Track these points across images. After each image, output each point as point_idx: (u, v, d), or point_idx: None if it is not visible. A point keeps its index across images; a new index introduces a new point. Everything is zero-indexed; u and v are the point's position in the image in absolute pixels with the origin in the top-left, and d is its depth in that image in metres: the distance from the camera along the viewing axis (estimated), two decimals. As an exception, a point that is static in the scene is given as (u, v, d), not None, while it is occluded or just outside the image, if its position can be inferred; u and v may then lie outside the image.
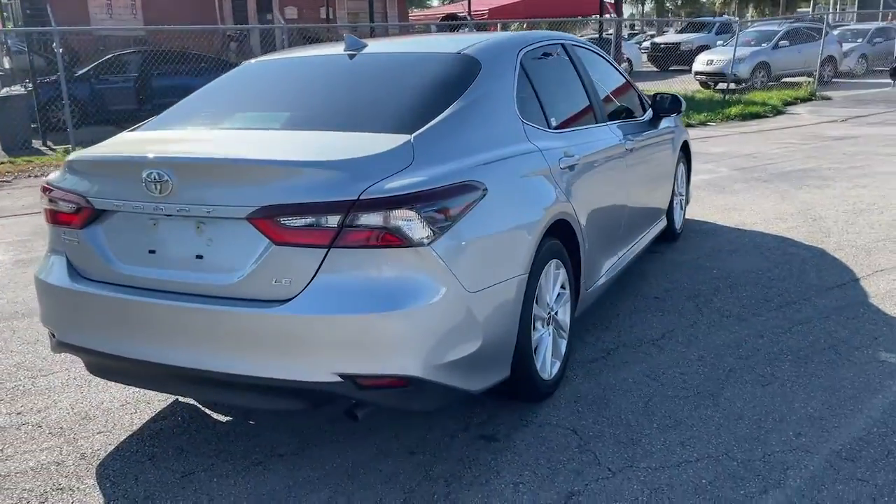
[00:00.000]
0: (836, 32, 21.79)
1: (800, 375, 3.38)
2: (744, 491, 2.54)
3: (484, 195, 2.64)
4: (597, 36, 20.31)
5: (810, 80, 18.34)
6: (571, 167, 3.36)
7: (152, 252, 2.64)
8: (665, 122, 4.93)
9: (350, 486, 2.66)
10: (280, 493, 2.63)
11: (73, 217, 2.77)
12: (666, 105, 4.76)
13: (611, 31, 18.35)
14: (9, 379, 3.66)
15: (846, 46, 21.38)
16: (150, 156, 2.62)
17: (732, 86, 17.95)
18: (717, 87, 18.97)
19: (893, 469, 2.64)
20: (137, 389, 3.42)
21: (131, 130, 3.28)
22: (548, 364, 3.14)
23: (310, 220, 2.38)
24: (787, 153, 9.66)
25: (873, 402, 3.12)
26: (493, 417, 3.08)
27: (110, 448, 2.97)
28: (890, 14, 30.95)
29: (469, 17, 21.32)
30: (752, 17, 46.27)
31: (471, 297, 2.54)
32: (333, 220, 2.36)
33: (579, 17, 25.12)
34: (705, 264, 5.07)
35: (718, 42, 22.98)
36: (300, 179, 2.42)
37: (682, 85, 18.21)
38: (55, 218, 2.87)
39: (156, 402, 3.34)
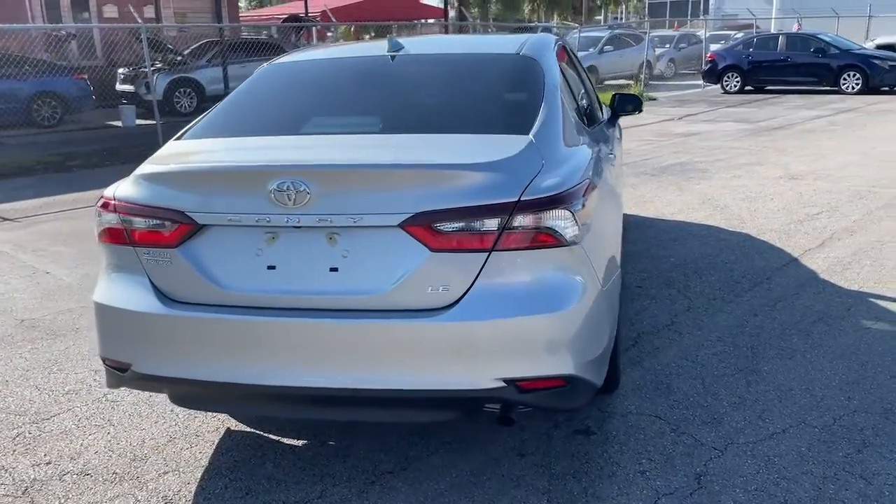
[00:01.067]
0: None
1: (812, 346, 3.73)
2: (842, 453, 2.79)
3: (595, 192, 2.69)
4: (437, 39, 20.76)
5: (631, 82, 19.94)
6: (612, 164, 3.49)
7: (272, 268, 2.42)
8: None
9: (485, 493, 2.61)
10: (423, 508, 2.53)
11: (163, 235, 2.49)
12: (626, 105, 4.99)
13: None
14: (6, 427, 3.18)
15: (657, 52, 23.47)
16: (282, 164, 2.44)
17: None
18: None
19: (944, 419, 3.02)
20: (173, 423, 3.12)
21: (178, 139, 2.98)
22: (616, 354, 3.24)
23: (471, 223, 2.31)
24: (653, 149, 10.45)
25: (886, 362, 3.52)
26: (573, 413, 3.12)
27: (193, 487, 2.69)
28: (676, 22, 34.34)
29: (310, 18, 20.94)
30: (557, 24, 49.23)
31: (603, 294, 2.59)
32: (494, 223, 2.30)
33: (420, 21, 25.48)
34: (659, 253, 5.41)
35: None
36: (458, 182, 2.34)
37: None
38: (130, 237, 2.55)
39: (205, 433, 3.07)
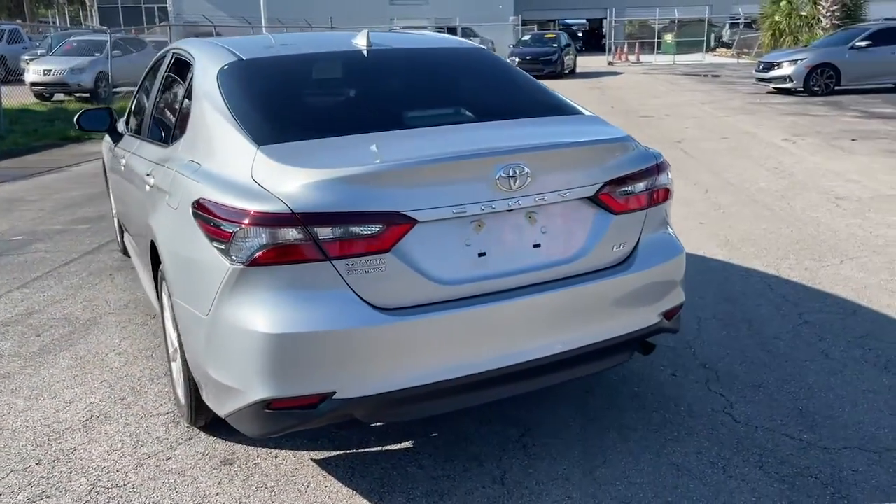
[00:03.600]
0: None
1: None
2: None
3: None
4: None
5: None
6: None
7: (482, 255, 2.49)
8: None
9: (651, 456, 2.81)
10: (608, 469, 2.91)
11: (374, 240, 2.32)
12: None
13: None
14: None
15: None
16: (506, 149, 2.54)
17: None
18: (55, 98, 18.97)
19: None
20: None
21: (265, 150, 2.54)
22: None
23: (636, 187, 2.73)
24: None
25: None
26: (625, 369, 3.52)
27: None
28: (133, 29, 34.30)
29: None
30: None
31: None
32: (644, 185, 2.75)
33: None
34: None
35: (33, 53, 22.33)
36: (620, 154, 2.74)
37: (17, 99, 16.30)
38: (324, 250, 2.29)
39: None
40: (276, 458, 2.89)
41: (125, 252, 5.48)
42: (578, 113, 3.16)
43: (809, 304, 4.26)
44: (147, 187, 3.29)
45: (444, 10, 44.26)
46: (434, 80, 3.45)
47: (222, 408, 2.56)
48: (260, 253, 2.29)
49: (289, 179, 2.35)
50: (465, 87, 3.45)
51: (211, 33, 31.06)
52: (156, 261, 3.22)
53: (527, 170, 2.47)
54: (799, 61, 17.05)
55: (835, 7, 26.18)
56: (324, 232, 2.28)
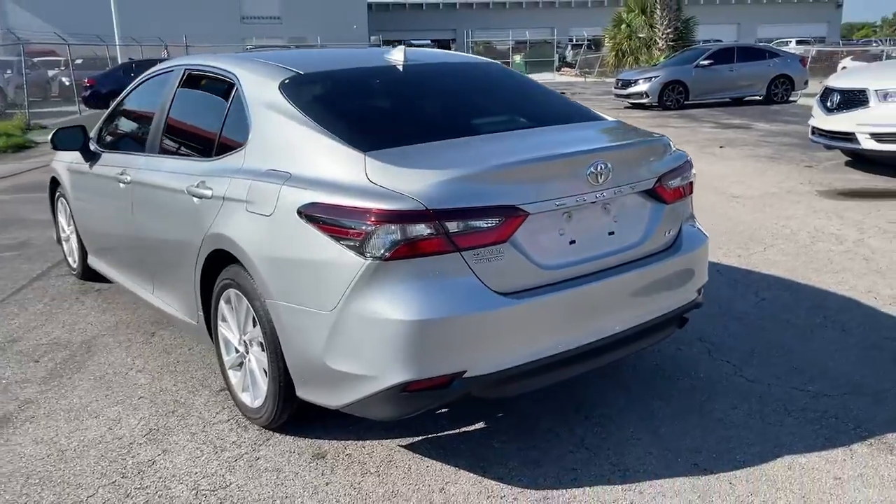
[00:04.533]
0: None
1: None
2: None
3: None
4: None
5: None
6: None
7: (573, 242, 2.80)
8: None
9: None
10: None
11: (495, 232, 2.59)
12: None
13: None
14: None
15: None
16: (594, 148, 2.96)
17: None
18: None
19: None
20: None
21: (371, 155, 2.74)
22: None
23: (681, 178, 3.17)
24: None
25: None
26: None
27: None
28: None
29: None
30: None
31: None
32: (682, 179, 3.19)
33: None
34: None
35: None
36: (664, 152, 3.16)
37: None
38: (454, 242, 2.54)
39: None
40: (363, 448, 3.05)
41: (84, 276, 5.32)
42: (604, 119, 3.57)
43: (758, 284, 4.91)
44: (195, 199, 3.35)
45: (298, 29, 44.14)
46: (479, 90, 3.76)
47: (341, 398, 2.72)
48: (398, 247, 2.49)
49: (413, 180, 2.58)
50: (506, 96, 3.77)
51: (53, 52, 29.34)
52: (208, 271, 3.32)
53: (609, 166, 2.84)
54: (653, 78, 18.63)
55: (669, 30, 28.69)
56: (453, 226, 2.53)
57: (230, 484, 2.84)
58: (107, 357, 4.07)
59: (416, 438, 3.11)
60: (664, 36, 28.85)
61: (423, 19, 56.12)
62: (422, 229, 2.51)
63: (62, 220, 5.58)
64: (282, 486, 2.82)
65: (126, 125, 4.64)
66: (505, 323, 2.62)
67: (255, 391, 3.19)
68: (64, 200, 5.37)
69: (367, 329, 2.57)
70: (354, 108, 3.26)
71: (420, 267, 2.53)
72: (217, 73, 3.63)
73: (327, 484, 2.82)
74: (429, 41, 56.91)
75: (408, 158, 2.73)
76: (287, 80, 3.25)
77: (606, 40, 32.06)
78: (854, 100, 8.53)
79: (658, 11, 28.80)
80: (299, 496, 2.75)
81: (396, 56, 3.60)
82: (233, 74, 3.46)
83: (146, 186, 3.86)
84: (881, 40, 54.76)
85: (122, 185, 4.12)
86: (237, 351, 3.31)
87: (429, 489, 2.76)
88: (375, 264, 2.52)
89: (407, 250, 2.51)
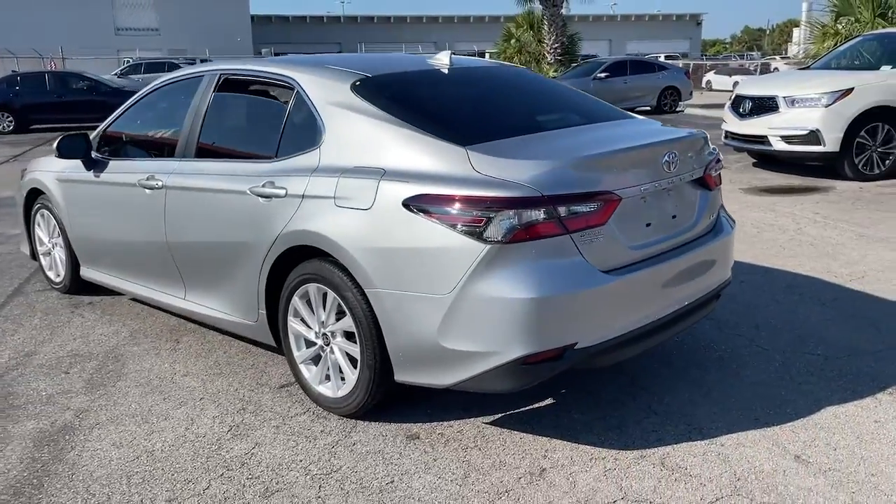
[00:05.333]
0: None
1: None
2: None
3: None
4: None
5: None
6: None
7: (648, 225, 3.11)
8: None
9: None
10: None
11: (597, 215, 2.86)
12: None
13: None
14: None
15: None
16: (668, 138, 3.29)
17: None
18: None
19: None
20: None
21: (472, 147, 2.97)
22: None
23: (715, 169, 3.53)
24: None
25: None
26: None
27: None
28: None
29: None
30: None
31: None
32: (717, 168, 3.56)
33: None
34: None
35: None
36: (706, 145, 3.53)
37: None
38: (564, 225, 2.79)
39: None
40: (451, 427, 3.24)
41: (72, 290, 5.18)
42: (639, 117, 3.92)
43: (735, 270, 5.41)
44: (262, 199, 3.42)
45: (178, 42, 42.88)
46: (525, 90, 4.03)
47: (453, 376, 2.90)
48: (516, 232, 2.72)
49: (521, 169, 2.82)
50: (551, 96, 4.06)
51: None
52: (277, 269, 3.42)
53: (678, 156, 3.18)
54: (555, 90, 19.48)
55: (556, 45, 29.95)
56: (563, 210, 2.78)
57: (340, 467, 2.95)
58: (141, 365, 4.03)
59: (496, 416, 3.32)
60: (552, 51, 30.04)
61: (308, 32, 55.85)
62: (537, 214, 2.74)
63: (40, 233, 5.38)
64: (392, 464, 2.96)
65: (141, 132, 4.58)
66: (608, 298, 2.90)
67: (338, 382, 3.31)
68: (47, 212, 5.20)
69: (488, 308, 2.77)
70: (433, 106, 3.46)
71: (536, 249, 2.76)
72: (268, 78, 3.72)
73: (434, 460, 2.98)
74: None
75: (506, 151, 2.96)
76: (358, 82, 3.40)
77: (498, 55, 33.07)
78: (765, 106, 9.39)
79: (546, 27, 29.97)
80: (414, 471, 2.90)
81: (444, 59, 3.82)
82: (290, 78, 3.57)
83: (187, 190, 3.87)
84: (736, 55, 59.52)
85: (148, 190, 4.10)
86: (311, 344, 3.41)
87: (533, 457, 2.98)
88: (496, 248, 2.73)
89: (524, 234, 2.73)
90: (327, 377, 3.38)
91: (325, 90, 3.43)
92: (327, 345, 3.34)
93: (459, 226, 2.78)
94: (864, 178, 8.96)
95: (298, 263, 3.34)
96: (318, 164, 3.28)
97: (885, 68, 9.24)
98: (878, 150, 8.97)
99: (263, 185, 3.43)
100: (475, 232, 2.75)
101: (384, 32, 55.55)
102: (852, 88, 8.85)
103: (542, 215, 2.75)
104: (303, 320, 3.42)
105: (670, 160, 3.16)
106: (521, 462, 2.95)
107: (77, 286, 5.16)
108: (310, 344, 3.43)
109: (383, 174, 3.02)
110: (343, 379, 3.30)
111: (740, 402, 3.37)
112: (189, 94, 4.12)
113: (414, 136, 3.07)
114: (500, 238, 2.73)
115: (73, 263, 5.06)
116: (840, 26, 14.84)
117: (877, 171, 9.00)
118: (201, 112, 3.97)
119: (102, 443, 3.21)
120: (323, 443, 3.15)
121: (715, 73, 40.07)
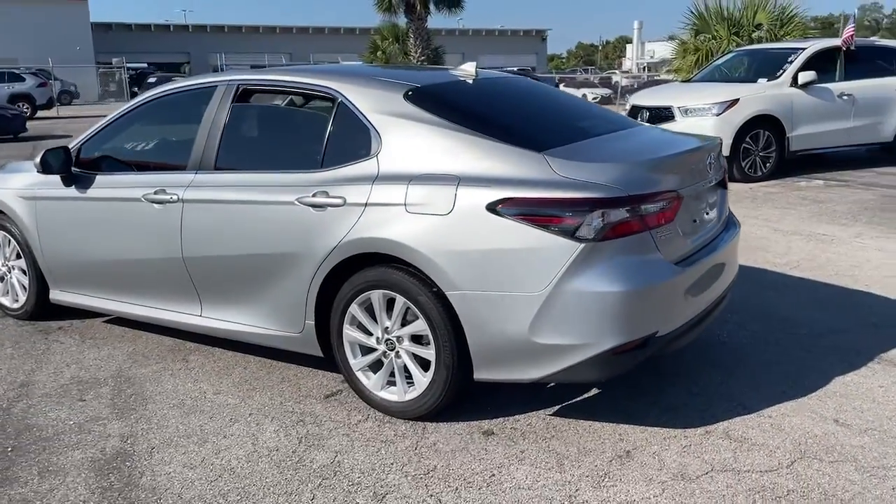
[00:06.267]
0: None
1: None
2: None
3: None
4: None
5: None
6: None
7: (695, 221, 3.38)
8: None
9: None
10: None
11: (667, 212, 3.12)
12: None
13: None
14: None
15: None
16: (706, 143, 3.65)
17: None
18: None
19: None
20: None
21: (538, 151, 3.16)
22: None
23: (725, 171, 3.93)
24: None
25: None
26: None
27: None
28: None
29: None
30: None
31: None
32: (724, 170, 3.91)
33: None
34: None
35: None
36: (721, 149, 3.92)
37: None
38: (644, 223, 3.03)
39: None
40: (521, 421, 3.38)
41: (35, 315, 4.84)
42: (643, 124, 4.24)
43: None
44: (313, 210, 3.40)
45: (9, 51, 39.71)
46: (554, 100, 4.20)
47: (543, 370, 3.06)
48: (607, 229, 2.93)
49: (600, 172, 3.02)
50: (573, 106, 4.24)
51: None
52: (329, 278, 3.43)
53: (714, 158, 3.52)
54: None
55: (423, 58, 30.56)
56: (644, 209, 3.01)
57: (435, 467, 3.03)
58: (163, 386, 3.87)
59: (557, 407, 3.50)
60: (419, 62, 30.63)
61: (153, 41, 53.46)
62: (624, 213, 2.96)
63: (-7, 256, 4.97)
64: (483, 459, 3.07)
65: (138, 145, 4.37)
66: (680, 288, 3.16)
67: (404, 386, 3.37)
68: (2, 233, 4.82)
69: (582, 303, 2.95)
70: (492, 114, 3.59)
71: (623, 245, 2.97)
72: (300, 88, 3.71)
73: (522, 452, 3.12)
74: (144, 64, 52.59)
75: (578, 155, 3.16)
76: (411, 92, 3.48)
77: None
78: (662, 115, 10.16)
79: (411, 40, 30.52)
80: (508, 464, 3.03)
81: (470, 70, 3.96)
82: (332, 89, 3.58)
83: (212, 203, 3.77)
84: (581, 69, 63.05)
85: (158, 205, 3.94)
86: (369, 351, 3.44)
87: (612, 441, 3.19)
88: (590, 246, 2.92)
89: (613, 232, 2.94)
90: (389, 382, 3.43)
91: (375, 101, 3.47)
92: (391, 349, 3.38)
93: (552, 226, 2.95)
94: (749, 179, 9.92)
95: (355, 272, 3.37)
96: (377, 173, 3.32)
97: (762, 80, 10.28)
98: (760, 154, 9.96)
99: (314, 196, 3.43)
100: (568, 231, 2.93)
101: (238, 42, 54.07)
102: (738, 99, 9.79)
103: (628, 213, 2.97)
104: (360, 327, 3.44)
105: (711, 162, 3.51)
106: (604, 447, 3.15)
107: (41, 311, 4.82)
108: (366, 351, 3.46)
109: (459, 180, 3.13)
110: (410, 383, 3.36)
111: (763, 380, 3.74)
112: (197, 105, 4.01)
113: (486, 144, 3.19)
114: (592, 236, 2.92)
115: (40, 287, 4.73)
116: (699, 43, 16.21)
117: (760, 174, 9.99)
118: (219, 123, 3.87)
119: (172, 465, 3.09)
120: (403, 445, 3.20)
121: (564, 85, 42.38)
